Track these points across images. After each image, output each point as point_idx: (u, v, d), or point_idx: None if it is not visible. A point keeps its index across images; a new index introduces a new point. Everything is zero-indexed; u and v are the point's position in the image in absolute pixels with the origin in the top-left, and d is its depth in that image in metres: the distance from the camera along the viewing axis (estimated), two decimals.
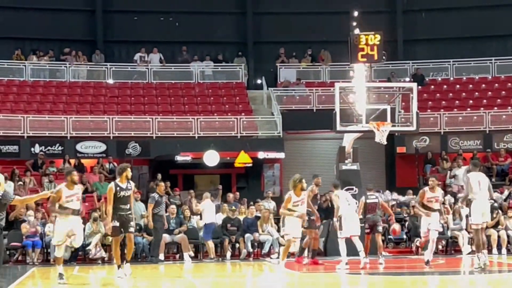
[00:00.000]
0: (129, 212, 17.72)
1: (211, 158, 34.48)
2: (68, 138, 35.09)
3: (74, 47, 40.60)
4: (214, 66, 40.69)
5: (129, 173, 17.73)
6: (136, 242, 23.86)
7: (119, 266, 17.79)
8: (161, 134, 35.87)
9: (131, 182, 17.70)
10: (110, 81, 39.32)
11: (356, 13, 30.87)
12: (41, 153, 33.53)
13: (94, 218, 26.67)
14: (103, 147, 34.81)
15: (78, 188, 18.17)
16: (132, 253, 19.20)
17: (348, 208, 22.40)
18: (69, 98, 38.32)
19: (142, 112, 37.39)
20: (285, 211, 19.43)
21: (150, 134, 35.77)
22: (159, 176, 31.03)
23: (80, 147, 34.57)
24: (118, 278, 17.57)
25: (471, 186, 18.39)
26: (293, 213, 19.19)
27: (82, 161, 33.86)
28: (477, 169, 19.76)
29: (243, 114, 37.13)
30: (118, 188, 17.54)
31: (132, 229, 17.77)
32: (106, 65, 39.79)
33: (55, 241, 17.83)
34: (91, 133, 35.29)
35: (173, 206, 27.53)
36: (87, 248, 27.18)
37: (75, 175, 17.86)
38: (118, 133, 35.47)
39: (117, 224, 17.51)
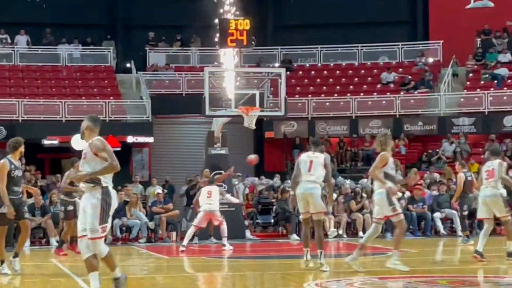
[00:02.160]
0: (21, 195, 15.40)
1: (79, 142, 34.52)
2: None
3: None
4: (82, 49, 40.49)
5: (23, 148, 15.17)
6: None
7: (2, 261, 15.26)
8: (27, 117, 35.55)
9: (22, 160, 15.52)
10: None
11: None
12: None
13: None
14: None
15: None
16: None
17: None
18: None
19: (8, 94, 36.98)
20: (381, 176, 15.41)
21: (16, 117, 35.39)
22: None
23: None
24: (2, 274, 15.04)
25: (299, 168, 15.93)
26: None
27: None
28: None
29: (111, 98, 37.13)
30: (12, 166, 14.85)
31: (27, 215, 15.42)
32: None
33: None
34: None
35: None
36: None
37: None
38: None
39: (5, 211, 14.74)
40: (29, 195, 23.70)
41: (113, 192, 11.77)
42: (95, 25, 42.48)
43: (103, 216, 10.85)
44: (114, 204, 11.31)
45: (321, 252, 15.13)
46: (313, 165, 15.38)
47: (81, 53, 39.83)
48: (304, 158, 15.69)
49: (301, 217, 16.07)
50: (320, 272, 14.93)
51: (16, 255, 15.35)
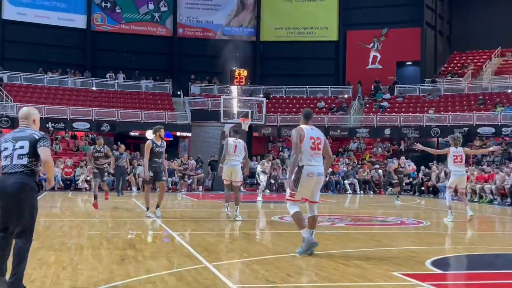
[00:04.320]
0: (161, 165, 13.59)
1: (150, 134, 34.71)
2: None
3: None
4: (154, 82, 39.69)
5: (162, 133, 13.63)
6: None
7: (148, 208, 13.92)
8: (122, 119, 34.74)
9: (163, 141, 13.64)
10: None
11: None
12: None
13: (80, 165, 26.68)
14: None
15: None
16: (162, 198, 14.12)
17: None
18: None
19: (112, 106, 36.16)
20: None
21: (115, 119, 34.69)
22: None
23: None
24: (146, 217, 13.64)
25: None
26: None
27: None
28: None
29: (169, 110, 36.56)
30: (154, 145, 13.45)
31: (164, 178, 13.64)
32: None
33: None
34: None
35: None
36: (76, 182, 27.51)
37: None
38: None
39: (151, 174, 13.44)
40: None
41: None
42: (161, 70, 41.82)
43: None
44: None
45: (237, 208, 13.39)
46: (237, 148, 13.56)
47: (153, 85, 39.77)
48: (231, 142, 13.64)
49: (225, 182, 13.93)
50: (235, 221, 13.10)
51: (157, 206, 13.75)
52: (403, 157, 23.96)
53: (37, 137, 5.88)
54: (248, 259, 8.08)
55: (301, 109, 40.97)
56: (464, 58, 42.89)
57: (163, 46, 42.60)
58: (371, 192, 29.16)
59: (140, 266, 7.42)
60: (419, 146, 15.49)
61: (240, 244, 9.63)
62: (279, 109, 38.77)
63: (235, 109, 31.48)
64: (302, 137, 8.40)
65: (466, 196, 15.31)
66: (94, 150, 17.12)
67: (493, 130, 32.87)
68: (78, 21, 40.93)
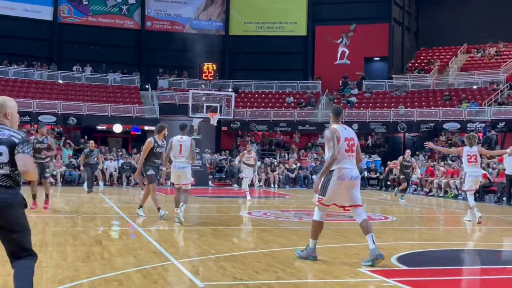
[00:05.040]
0: (160, 165, 12.93)
1: (118, 128, 34.30)
2: None
3: None
4: (122, 76, 39.39)
5: (166, 131, 12.76)
6: None
7: (159, 208, 12.70)
8: (89, 113, 34.33)
9: (164, 141, 12.70)
10: None
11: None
12: None
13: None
14: None
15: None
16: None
17: None
18: None
19: (79, 100, 35.61)
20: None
21: (82, 112, 34.21)
22: None
23: None
24: (161, 218, 12.46)
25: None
26: None
27: None
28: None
29: (136, 104, 36.34)
30: (155, 144, 12.51)
31: (160, 180, 12.55)
32: None
33: None
34: None
35: None
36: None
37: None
38: None
39: (153, 172, 12.55)
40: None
41: None
42: (129, 63, 41.52)
43: None
44: None
45: (182, 205, 11.82)
46: (183, 148, 12.10)
47: (121, 78, 39.43)
48: (175, 142, 12.17)
49: (175, 186, 12.34)
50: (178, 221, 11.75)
51: (140, 206, 13.03)
52: (408, 151, 22.35)
53: (16, 141, 4.61)
54: (216, 256, 8.06)
55: (270, 104, 40.81)
56: (430, 54, 43.41)
57: (131, 39, 42.22)
58: None
59: (106, 264, 7.34)
60: (430, 145, 14.84)
61: (207, 240, 9.60)
62: (248, 103, 38.73)
63: (204, 103, 31.37)
64: (338, 139, 7.58)
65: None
66: (35, 141, 14.06)
67: (458, 126, 33.34)
68: (45, 13, 40.30)
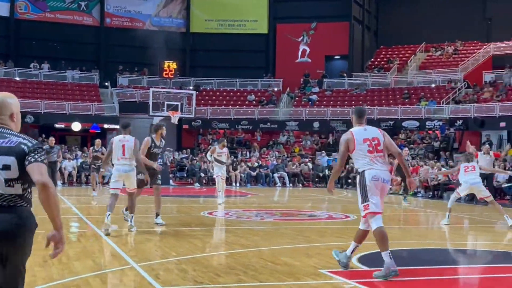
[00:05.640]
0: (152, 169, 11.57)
1: (76, 126, 33.81)
2: None
3: None
4: (81, 73, 38.72)
5: (164, 131, 11.82)
6: None
7: (157, 214, 11.97)
8: (47, 111, 33.88)
9: (163, 141, 11.78)
10: None
11: None
12: None
13: None
14: None
15: None
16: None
17: None
18: None
19: (36, 97, 34.99)
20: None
21: (40, 110, 33.67)
22: None
23: None
24: (157, 224, 11.75)
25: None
26: None
27: None
28: None
29: (96, 102, 35.85)
30: (152, 144, 11.59)
31: (159, 181, 11.82)
32: None
33: None
34: None
35: None
36: None
37: None
38: None
39: (143, 177, 11.13)
40: None
41: None
42: (88, 60, 40.83)
43: None
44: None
45: (132, 217, 10.96)
46: (125, 149, 10.80)
47: (79, 76, 38.81)
48: (116, 142, 10.91)
49: (112, 191, 10.89)
50: (130, 231, 10.79)
51: (157, 215, 11.89)
52: (406, 149, 21.06)
53: (26, 149, 3.64)
54: (177, 259, 7.98)
55: (231, 102, 40.77)
56: (390, 53, 43.92)
57: (90, 35, 41.56)
58: (300, 185, 29.47)
59: (64, 268, 7.21)
60: (431, 174, 13.71)
61: (168, 243, 9.50)
62: (209, 101, 38.54)
63: (165, 102, 31.14)
64: (351, 142, 7.22)
65: (494, 203, 13.15)
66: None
67: (417, 123, 33.81)
68: (1, 9, 39.35)
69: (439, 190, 22.94)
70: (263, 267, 7.40)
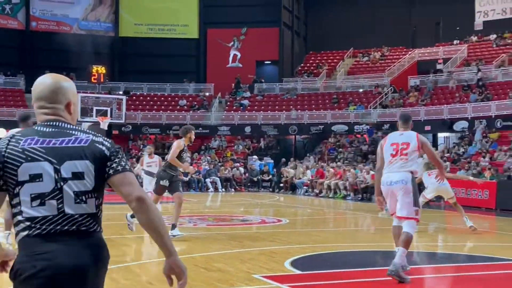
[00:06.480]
0: (178, 173, 11.01)
1: (2, 133, 32.80)
2: None
3: None
4: (5, 78, 37.57)
5: (193, 135, 10.96)
6: None
7: (173, 225, 10.80)
8: None
9: (189, 144, 11.05)
10: None
11: None
12: None
13: None
14: None
15: None
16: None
17: None
18: None
19: None
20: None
21: None
22: None
23: None
24: (173, 236, 10.18)
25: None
26: None
27: None
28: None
29: (21, 108, 34.47)
30: (184, 147, 10.80)
31: (181, 189, 10.99)
32: None
33: None
34: None
35: None
36: None
37: None
38: None
39: (167, 183, 10.68)
40: None
41: None
42: (13, 65, 39.42)
43: None
44: None
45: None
46: None
47: (4, 81, 37.58)
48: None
49: None
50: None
51: (174, 227, 10.73)
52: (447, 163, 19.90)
53: (106, 152, 2.70)
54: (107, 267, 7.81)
55: (162, 107, 40.37)
56: (319, 58, 44.61)
57: (15, 39, 40.29)
58: (233, 189, 29.51)
59: None
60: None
61: None
62: (140, 106, 38.13)
63: (93, 107, 30.57)
64: (383, 145, 7.53)
65: (457, 205, 12.73)
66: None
67: (346, 128, 34.47)
68: None
69: (367, 192, 23.46)
70: (197, 274, 7.37)
